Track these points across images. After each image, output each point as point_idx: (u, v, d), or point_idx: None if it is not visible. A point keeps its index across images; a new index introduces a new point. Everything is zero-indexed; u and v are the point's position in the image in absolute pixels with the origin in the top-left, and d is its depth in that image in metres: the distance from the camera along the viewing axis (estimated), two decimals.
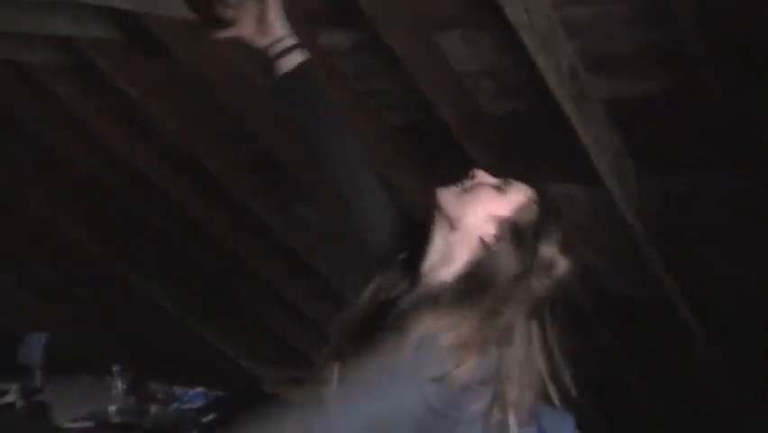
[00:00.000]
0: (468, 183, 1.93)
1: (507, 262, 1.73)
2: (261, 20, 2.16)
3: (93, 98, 4.22)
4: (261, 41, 2.19)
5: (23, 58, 3.96)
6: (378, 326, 1.72)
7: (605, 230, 3.67)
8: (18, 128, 4.74)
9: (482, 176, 1.96)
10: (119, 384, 4.20)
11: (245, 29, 2.19)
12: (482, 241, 1.77)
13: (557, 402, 1.89)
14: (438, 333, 1.60)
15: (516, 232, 1.77)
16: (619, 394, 4.62)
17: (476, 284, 1.72)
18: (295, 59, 2.17)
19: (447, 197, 1.89)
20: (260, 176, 4.35)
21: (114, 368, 4.24)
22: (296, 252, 4.77)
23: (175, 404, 4.09)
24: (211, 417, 3.86)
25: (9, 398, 4.57)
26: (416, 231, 1.96)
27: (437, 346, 1.59)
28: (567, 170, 3.41)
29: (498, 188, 1.88)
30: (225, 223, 4.85)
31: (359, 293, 1.98)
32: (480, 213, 1.82)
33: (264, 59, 2.24)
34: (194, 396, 4.10)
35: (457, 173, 3.71)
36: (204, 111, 4.06)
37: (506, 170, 3.36)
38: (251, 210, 4.52)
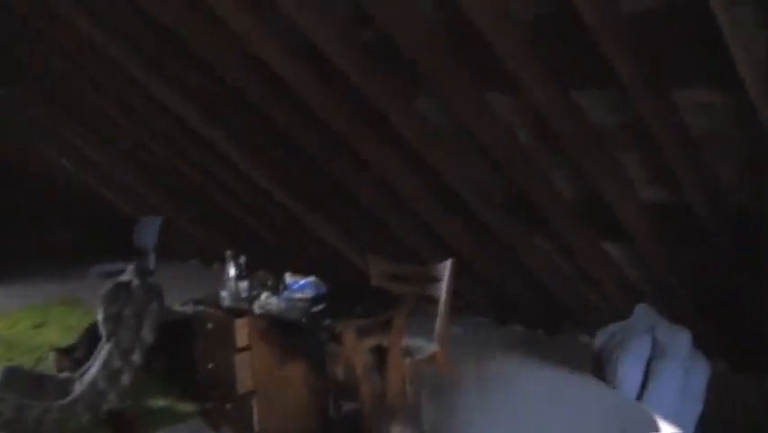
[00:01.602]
0: None
1: None
2: None
3: None
4: None
5: None
6: None
7: (738, 138, 3.46)
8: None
9: None
10: (231, 270, 4.23)
11: None
12: None
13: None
14: None
15: None
16: (736, 308, 4.45)
17: None
18: None
19: None
20: (379, 64, 4.23)
21: (227, 253, 4.27)
22: (412, 147, 4.67)
23: (285, 292, 4.11)
24: (320, 306, 3.86)
25: (125, 277, 4.67)
26: None
27: None
28: (706, 75, 3.21)
29: None
30: (345, 117, 4.78)
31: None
32: None
33: None
34: (304, 285, 4.10)
35: (585, 71, 3.55)
36: None
37: (639, 69, 3.20)
38: (370, 102, 4.43)
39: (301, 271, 4.48)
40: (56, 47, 6.11)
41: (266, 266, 4.52)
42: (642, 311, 3.99)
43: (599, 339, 3.95)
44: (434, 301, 4.41)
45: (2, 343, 6.48)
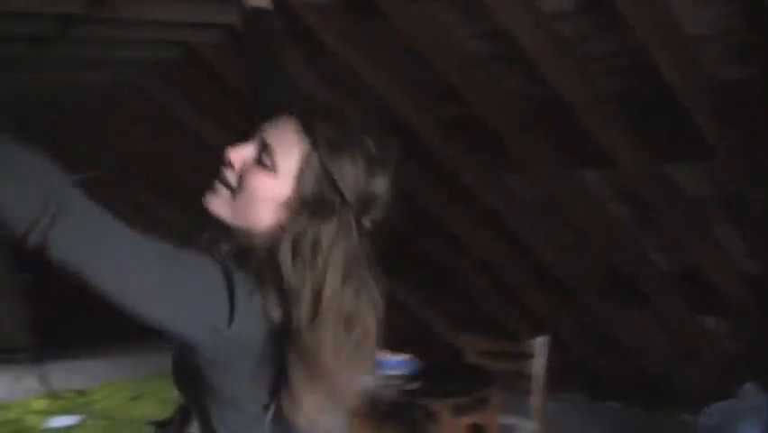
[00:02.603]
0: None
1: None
2: None
3: (308, 63, 4.28)
4: None
5: (239, 21, 4.07)
6: None
7: None
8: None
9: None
10: None
11: None
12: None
13: None
14: None
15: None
16: None
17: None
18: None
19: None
20: (468, 141, 4.27)
21: None
22: (503, 223, 4.67)
23: (379, 370, 4.12)
24: (415, 385, 3.86)
25: None
26: None
27: None
28: None
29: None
30: (432, 189, 4.81)
31: None
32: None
33: None
34: (398, 363, 4.11)
35: (678, 143, 3.52)
36: (414, 73, 4.02)
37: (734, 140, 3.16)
38: (458, 176, 4.46)
39: (394, 347, 4.49)
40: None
41: None
42: (750, 391, 3.87)
43: (705, 419, 3.84)
44: (529, 378, 4.36)
45: (101, 414, 6.62)
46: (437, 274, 5.70)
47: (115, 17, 3.75)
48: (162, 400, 6.94)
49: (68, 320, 9.70)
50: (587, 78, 3.44)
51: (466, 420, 3.99)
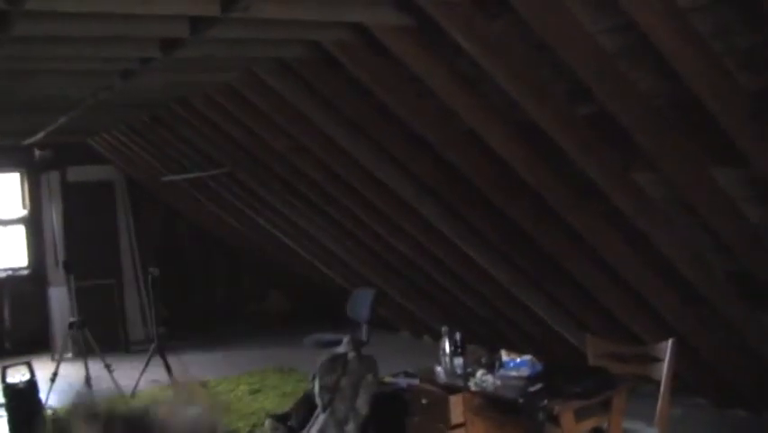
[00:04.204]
0: None
1: None
2: None
3: (435, 59, 4.29)
4: None
5: (370, 19, 4.10)
6: None
7: None
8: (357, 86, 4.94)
9: None
10: (446, 346, 4.26)
11: None
12: None
13: None
14: None
15: None
16: None
17: None
18: None
19: None
20: (597, 139, 4.19)
21: (443, 329, 4.31)
22: (629, 221, 4.57)
23: (501, 370, 4.09)
24: (537, 386, 3.80)
25: (341, 348, 4.81)
26: None
27: None
28: None
29: None
30: (559, 187, 4.74)
31: None
32: None
33: None
34: (520, 364, 4.06)
35: None
36: (543, 70, 3.98)
37: None
38: (585, 175, 4.38)
39: (514, 347, 4.46)
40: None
41: (479, 342, 4.52)
42: None
43: None
44: (652, 382, 4.25)
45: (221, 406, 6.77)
46: (559, 274, 5.62)
47: (246, 17, 3.82)
48: (281, 393, 7.07)
49: (193, 313, 10.06)
50: (722, 73, 3.32)
51: (588, 424, 3.92)
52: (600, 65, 3.66)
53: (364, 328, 6.57)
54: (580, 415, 3.81)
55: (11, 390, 5.95)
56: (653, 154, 4.00)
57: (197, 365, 8.25)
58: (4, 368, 6.15)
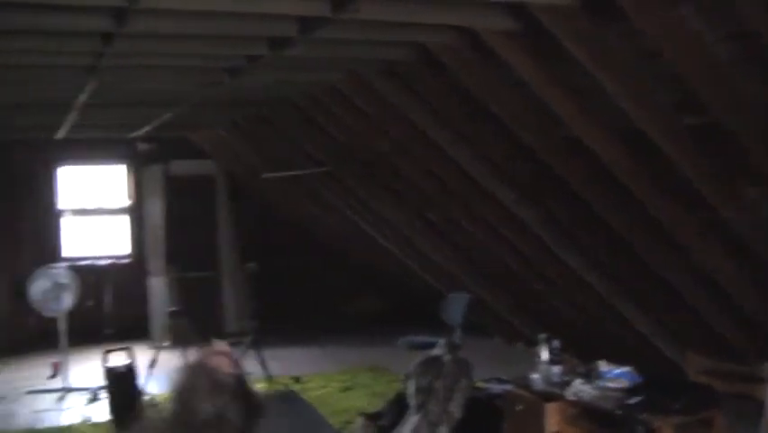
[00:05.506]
0: None
1: None
2: None
3: (541, 64, 4.26)
4: None
5: (478, 23, 4.10)
6: None
7: None
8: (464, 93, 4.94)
9: None
10: (544, 353, 4.22)
11: None
12: None
13: None
14: None
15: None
16: None
17: None
18: None
19: None
20: (707, 150, 4.09)
21: (540, 336, 4.27)
22: (737, 236, 4.45)
23: (598, 380, 4.03)
24: (636, 399, 3.74)
25: (437, 351, 4.82)
26: None
27: None
28: None
29: None
30: (665, 199, 4.64)
31: None
32: None
33: None
34: (619, 375, 4.00)
35: None
36: (654, 80, 3.90)
37: None
38: (692, 186, 4.28)
39: (611, 358, 4.38)
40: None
41: (575, 351, 4.47)
42: None
43: None
44: (758, 402, 4.13)
45: (314, 402, 6.85)
46: (660, 287, 5.50)
47: (353, 18, 3.85)
48: (372, 393, 7.10)
49: (288, 309, 10.17)
50: None
51: None
52: (713, 73, 3.58)
53: (458, 332, 6.56)
54: (679, 431, 3.72)
55: (112, 373, 6.13)
56: (764, 167, 3.90)
57: (290, 361, 8.38)
58: (107, 352, 6.34)
